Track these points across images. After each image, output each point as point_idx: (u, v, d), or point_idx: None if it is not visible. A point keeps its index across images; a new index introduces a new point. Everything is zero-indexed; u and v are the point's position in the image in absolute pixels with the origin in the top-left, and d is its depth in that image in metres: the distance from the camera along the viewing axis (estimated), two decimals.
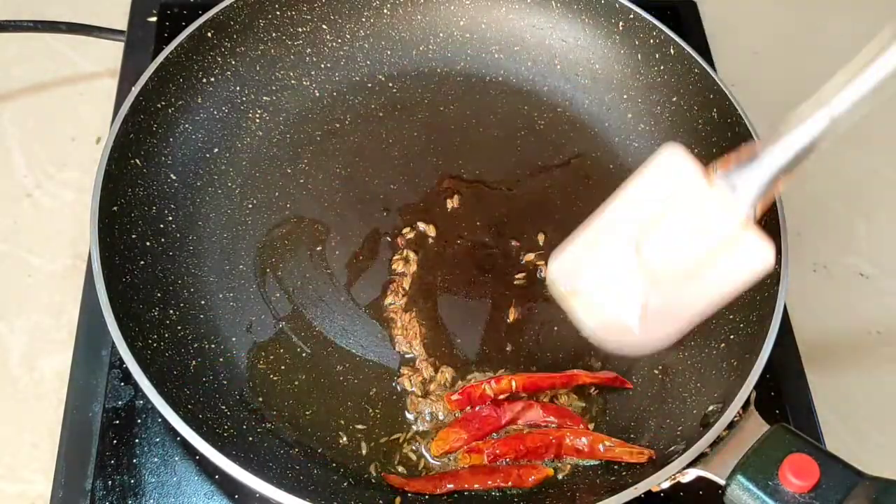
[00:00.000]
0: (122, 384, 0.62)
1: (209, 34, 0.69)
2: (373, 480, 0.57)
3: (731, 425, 0.53)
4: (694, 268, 0.48)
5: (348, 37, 0.76)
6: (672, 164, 0.49)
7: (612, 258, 0.50)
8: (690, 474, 0.52)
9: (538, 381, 0.60)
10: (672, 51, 0.70)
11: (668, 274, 0.49)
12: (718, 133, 0.68)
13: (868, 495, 0.48)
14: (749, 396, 0.54)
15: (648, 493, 0.51)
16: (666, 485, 0.52)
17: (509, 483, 0.56)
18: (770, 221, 0.62)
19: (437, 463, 0.58)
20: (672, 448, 0.54)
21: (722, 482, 0.50)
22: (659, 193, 0.49)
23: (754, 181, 0.47)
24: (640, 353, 0.53)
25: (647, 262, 0.49)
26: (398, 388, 0.62)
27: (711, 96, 0.68)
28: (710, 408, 0.56)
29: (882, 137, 0.88)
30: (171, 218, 0.65)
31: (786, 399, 0.66)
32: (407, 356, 0.63)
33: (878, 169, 0.86)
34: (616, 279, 0.50)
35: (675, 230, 0.48)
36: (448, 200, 0.71)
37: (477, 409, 0.59)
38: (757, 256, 0.48)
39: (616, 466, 0.57)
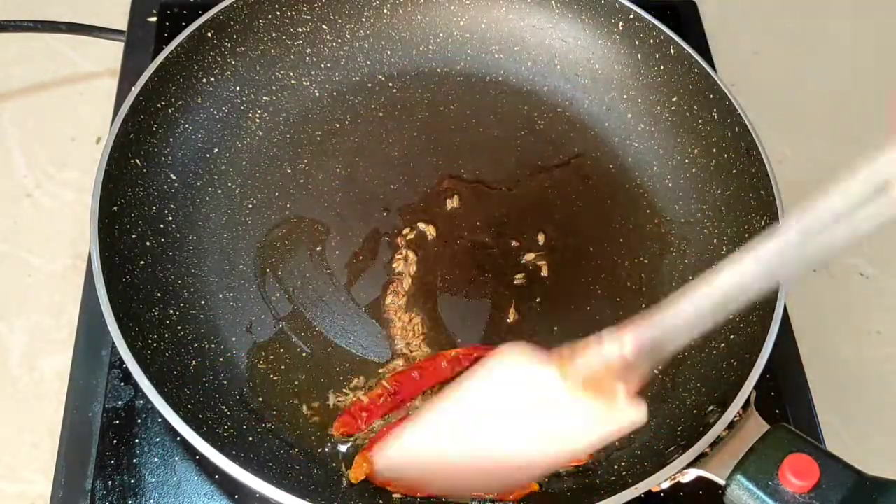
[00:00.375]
0: (122, 384, 0.62)
1: (209, 34, 0.69)
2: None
3: (731, 425, 0.53)
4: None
5: (348, 37, 0.76)
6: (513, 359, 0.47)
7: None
8: (690, 474, 0.52)
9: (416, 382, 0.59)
10: (672, 51, 0.70)
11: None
12: (718, 133, 0.68)
13: (868, 495, 0.48)
14: (749, 396, 0.54)
15: (648, 493, 0.51)
16: (666, 485, 0.52)
17: (492, 496, 0.55)
18: (770, 220, 0.62)
19: None
20: (672, 448, 0.54)
21: (722, 482, 0.50)
22: (501, 386, 0.47)
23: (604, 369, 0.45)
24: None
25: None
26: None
27: (711, 96, 0.68)
28: (710, 408, 0.56)
29: (882, 138, 0.88)
30: (171, 218, 0.65)
31: (786, 399, 0.66)
32: (407, 356, 0.63)
33: None
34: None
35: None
36: (448, 200, 0.71)
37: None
38: (627, 415, 0.46)
39: (615, 467, 0.57)
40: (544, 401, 0.44)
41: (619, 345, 0.43)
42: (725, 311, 0.42)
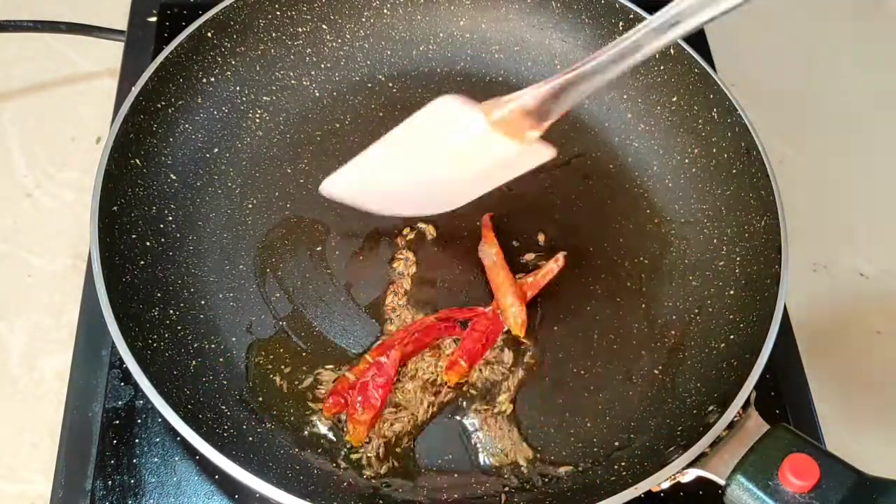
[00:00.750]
0: (122, 384, 0.62)
1: (209, 34, 0.69)
2: (373, 480, 0.57)
3: (731, 425, 0.53)
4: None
5: (348, 37, 0.76)
6: (447, 108, 0.52)
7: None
8: (690, 474, 0.52)
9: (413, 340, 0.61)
10: (672, 51, 0.70)
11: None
12: (718, 133, 0.68)
13: (868, 495, 0.48)
14: (749, 396, 0.54)
15: (648, 493, 0.51)
16: (666, 485, 0.52)
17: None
18: (770, 219, 0.62)
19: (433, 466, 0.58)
20: (672, 448, 0.54)
21: (722, 482, 0.50)
22: (434, 131, 0.53)
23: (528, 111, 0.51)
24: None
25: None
26: (397, 387, 0.62)
27: (711, 96, 0.68)
28: (710, 408, 0.56)
29: (882, 138, 0.88)
30: (171, 218, 0.65)
31: (786, 399, 0.66)
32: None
33: (877, 169, 0.86)
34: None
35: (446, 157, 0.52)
36: None
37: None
38: (537, 154, 0.53)
39: (616, 466, 0.57)
40: (471, 139, 0.50)
41: (534, 93, 0.49)
42: (629, 62, 0.47)
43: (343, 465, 0.58)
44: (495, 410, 0.61)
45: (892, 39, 0.95)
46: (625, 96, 0.74)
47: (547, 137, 0.74)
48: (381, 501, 0.55)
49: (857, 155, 0.87)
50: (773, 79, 0.91)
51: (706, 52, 0.84)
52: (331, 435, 0.59)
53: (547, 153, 0.52)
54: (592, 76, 0.48)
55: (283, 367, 0.62)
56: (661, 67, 0.72)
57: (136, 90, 0.63)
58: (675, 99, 0.71)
